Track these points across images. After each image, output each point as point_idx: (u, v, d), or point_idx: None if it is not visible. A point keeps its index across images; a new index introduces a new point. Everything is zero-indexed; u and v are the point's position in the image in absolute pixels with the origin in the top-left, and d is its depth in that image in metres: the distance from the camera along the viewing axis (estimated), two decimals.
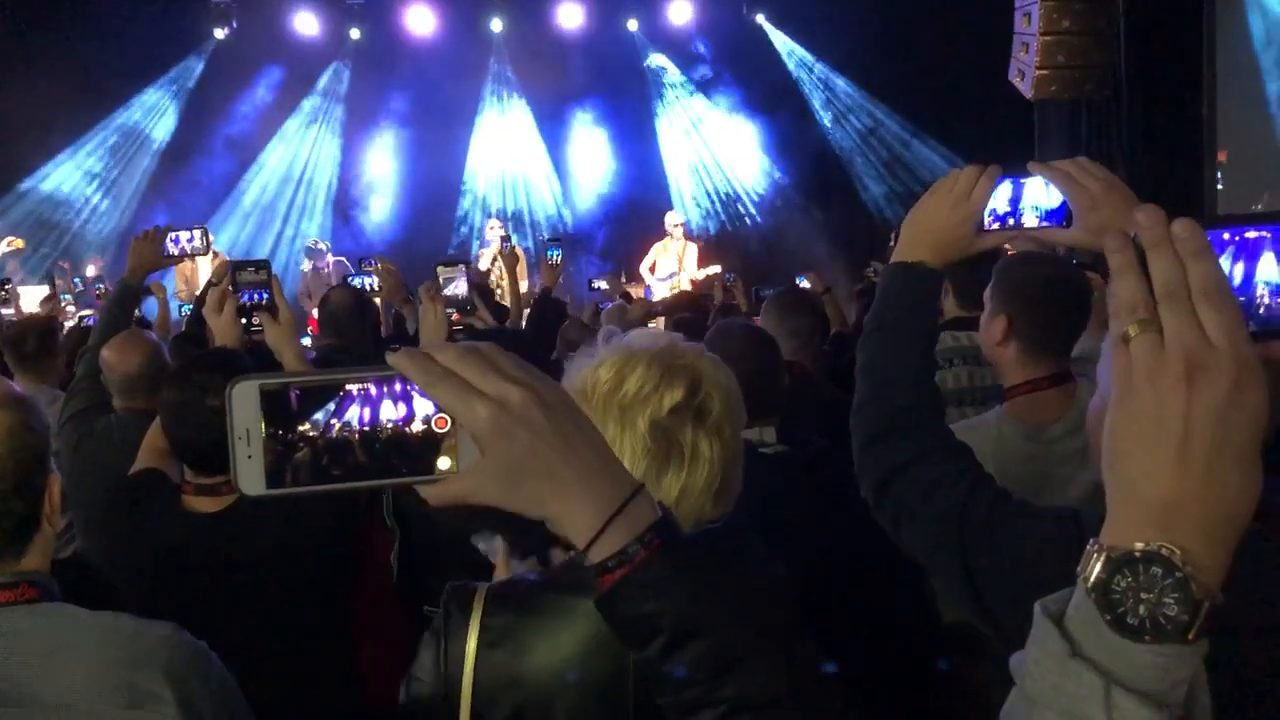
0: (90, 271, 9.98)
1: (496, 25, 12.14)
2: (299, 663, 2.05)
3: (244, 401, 0.71)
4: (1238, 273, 0.87)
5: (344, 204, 12.24)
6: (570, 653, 1.16)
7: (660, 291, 9.53)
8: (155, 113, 11.68)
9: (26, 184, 10.91)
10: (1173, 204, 0.77)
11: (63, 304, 7.14)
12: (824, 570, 1.88)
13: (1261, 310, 0.88)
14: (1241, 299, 0.86)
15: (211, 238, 3.36)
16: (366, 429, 0.72)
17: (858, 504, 1.59)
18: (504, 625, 1.20)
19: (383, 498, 2.29)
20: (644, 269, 10.27)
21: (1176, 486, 0.66)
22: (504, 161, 12.56)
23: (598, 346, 1.31)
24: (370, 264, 5.87)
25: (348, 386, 0.72)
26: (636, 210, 11.73)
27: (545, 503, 0.73)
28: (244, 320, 2.50)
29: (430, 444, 0.73)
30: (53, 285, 7.73)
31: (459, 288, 3.91)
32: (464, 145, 12.41)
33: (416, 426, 0.73)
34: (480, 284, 5.72)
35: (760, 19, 12.19)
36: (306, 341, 5.98)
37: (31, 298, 7.50)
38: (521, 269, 9.13)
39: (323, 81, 12.26)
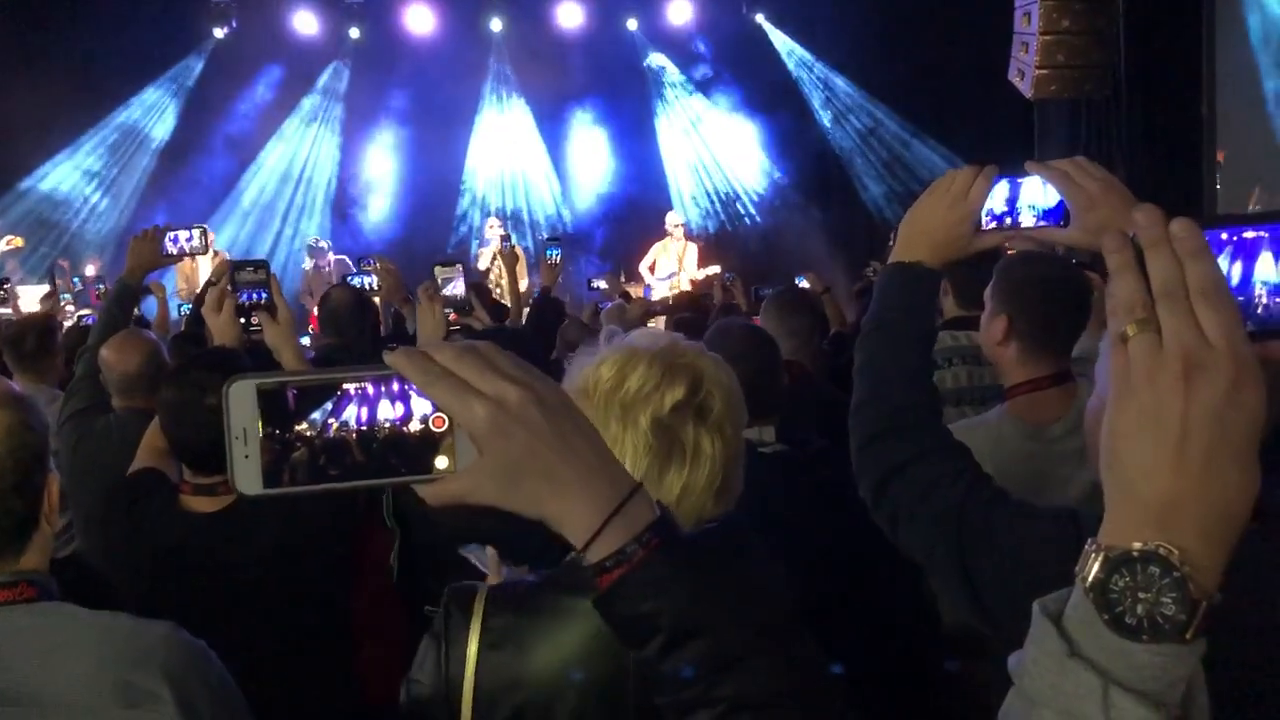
0: (89, 271, 9.98)
1: (496, 24, 12.14)
2: (298, 663, 2.05)
3: (241, 401, 0.71)
4: (1236, 272, 0.87)
5: (343, 203, 12.24)
6: (571, 653, 1.16)
7: (660, 291, 9.53)
8: (155, 112, 11.68)
9: (26, 183, 10.91)
10: (1172, 204, 0.77)
11: (62, 304, 7.13)
12: (824, 570, 1.88)
13: (1260, 310, 0.88)
14: (1240, 299, 0.86)
15: (212, 236, 3.36)
16: (364, 428, 0.72)
17: (857, 504, 1.59)
18: (505, 626, 1.20)
19: (383, 498, 2.29)
20: (644, 268, 10.28)
21: (1174, 486, 0.66)
22: (503, 161, 12.56)
23: (599, 346, 1.31)
24: (370, 263, 5.87)
25: (345, 386, 0.72)
26: (636, 210, 11.74)
27: (543, 502, 0.73)
28: (243, 320, 2.50)
29: (428, 443, 0.73)
30: (53, 283, 7.73)
31: (457, 288, 3.91)
32: (463, 145, 12.41)
33: (414, 426, 0.73)
34: (478, 284, 5.72)
35: (760, 19, 12.19)
36: (306, 341, 5.99)
37: (31, 297, 7.50)
38: (521, 268, 9.13)
39: (322, 81, 12.27)
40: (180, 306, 7.20)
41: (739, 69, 12.02)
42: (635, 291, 8.97)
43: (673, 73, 12.51)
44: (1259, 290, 0.88)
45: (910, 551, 1.53)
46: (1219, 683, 0.70)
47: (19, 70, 9.87)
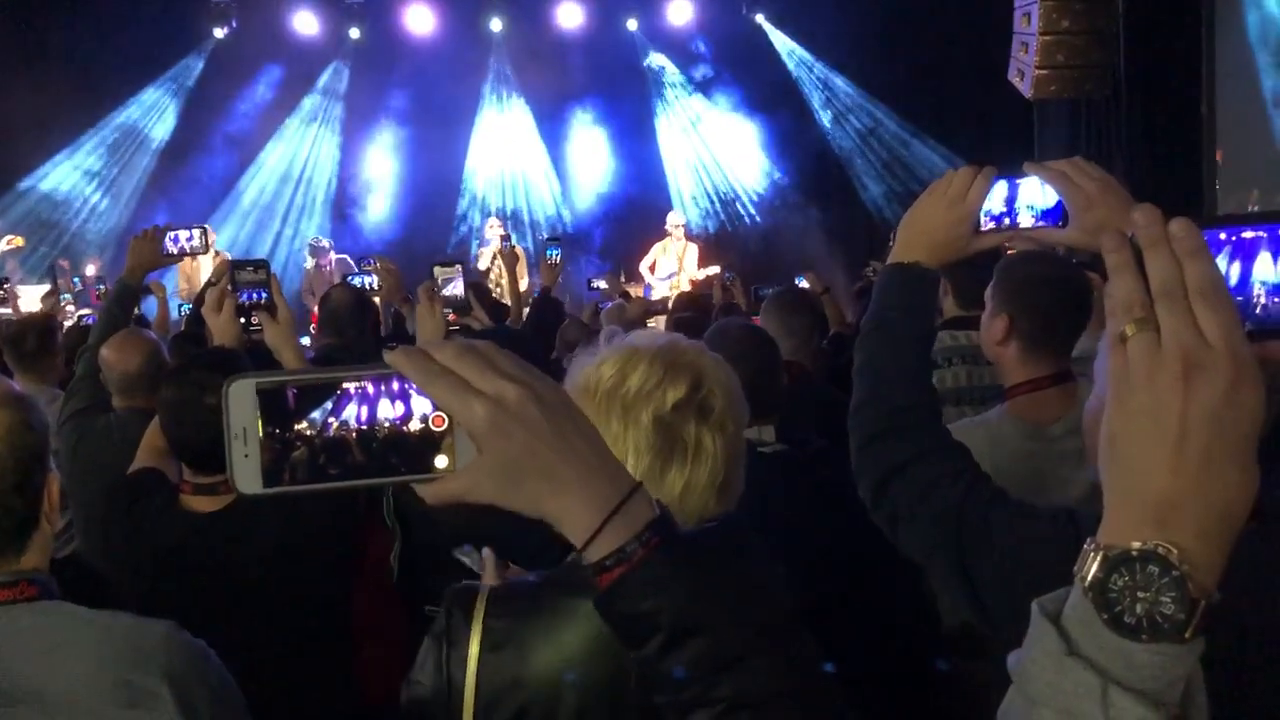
0: (90, 271, 9.98)
1: (496, 24, 12.14)
2: (298, 663, 2.05)
3: (240, 400, 0.71)
4: (1234, 272, 0.87)
5: (342, 203, 12.24)
6: (573, 653, 1.16)
7: (660, 291, 9.53)
8: (155, 112, 11.68)
9: (26, 183, 10.91)
10: (1172, 204, 0.77)
11: (62, 303, 7.14)
12: (824, 570, 1.88)
13: (1258, 309, 0.88)
14: (1238, 298, 0.86)
15: (213, 236, 3.36)
16: (364, 427, 0.72)
17: (857, 504, 1.59)
18: (506, 627, 1.20)
19: (383, 498, 2.29)
20: (644, 268, 10.28)
21: (1173, 485, 0.66)
22: (503, 161, 12.56)
23: (599, 346, 1.32)
24: (370, 263, 5.87)
25: (345, 385, 0.72)
26: (636, 210, 11.74)
27: (543, 501, 0.73)
28: (243, 319, 2.50)
29: (428, 442, 0.73)
30: (54, 282, 7.73)
31: (456, 288, 3.92)
32: (463, 144, 12.41)
33: (414, 425, 0.73)
34: (477, 284, 5.72)
35: (760, 19, 12.18)
36: (306, 340, 5.99)
37: (31, 296, 7.51)
38: (521, 268, 9.14)
39: (322, 81, 12.26)
40: (180, 306, 7.20)
41: (739, 69, 12.02)
42: (635, 291, 8.96)
43: (673, 73, 12.50)
44: (1257, 290, 0.88)
45: (910, 551, 1.54)
46: (1218, 683, 0.70)
47: (19, 70, 9.87)
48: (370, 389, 0.73)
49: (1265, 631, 1.05)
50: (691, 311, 5.29)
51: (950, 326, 3.03)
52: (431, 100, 11.89)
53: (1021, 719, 0.69)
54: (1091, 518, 0.70)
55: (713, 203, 12.40)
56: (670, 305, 6.29)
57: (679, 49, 12.41)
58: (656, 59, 12.49)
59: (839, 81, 11.92)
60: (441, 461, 0.73)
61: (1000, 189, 1.50)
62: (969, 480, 1.47)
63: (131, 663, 1.28)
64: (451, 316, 4.06)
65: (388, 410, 0.73)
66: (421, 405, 0.73)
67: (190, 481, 2.12)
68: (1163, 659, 0.65)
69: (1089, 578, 0.67)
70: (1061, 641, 0.67)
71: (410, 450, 0.73)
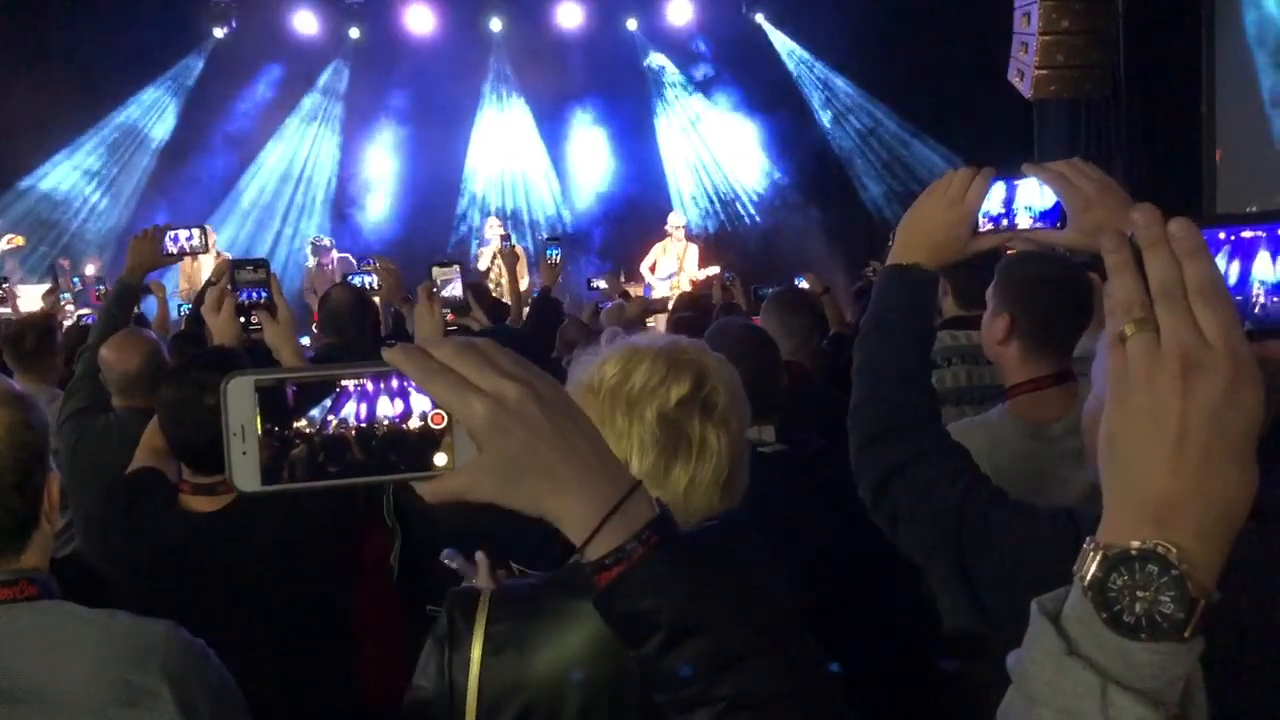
0: (89, 271, 9.98)
1: (496, 24, 12.14)
2: (297, 662, 2.04)
3: (239, 397, 0.71)
4: (1234, 272, 0.88)
5: (342, 203, 12.24)
6: (575, 655, 1.16)
7: (660, 291, 9.54)
8: (155, 111, 11.68)
9: (26, 182, 10.91)
10: (1171, 203, 0.77)
11: (62, 303, 7.14)
12: (824, 570, 1.88)
13: (1257, 309, 0.88)
14: (1238, 298, 0.86)
15: (213, 236, 3.36)
16: (363, 425, 0.72)
17: (857, 504, 1.59)
18: (508, 630, 1.20)
19: (383, 497, 2.29)
20: (644, 269, 10.29)
21: (1172, 485, 0.66)
22: (503, 160, 12.56)
23: (600, 347, 1.32)
24: (369, 263, 5.87)
25: (344, 382, 0.72)
26: (636, 209, 11.74)
27: (542, 500, 0.73)
28: (243, 319, 2.50)
29: (427, 440, 0.73)
30: (55, 280, 7.72)
31: (454, 289, 3.92)
32: (463, 144, 12.41)
33: (413, 423, 0.73)
34: (476, 284, 5.72)
35: (760, 18, 12.18)
36: (306, 340, 5.99)
37: (31, 296, 7.50)
38: (521, 268, 9.14)
39: (322, 80, 12.27)
40: (180, 306, 7.20)
41: (739, 69, 12.02)
42: (635, 291, 8.97)
43: (673, 73, 12.50)
44: (1256, 289, 0.88)
45: (909, 552, 1.54)
46: (1218, 682, 0.70)
47: (19, 70, 9.87)
48: (369, 387, 0.72)
49: (1265, 631, 1.05)
50: (692, 311, 5.29)
51: (950, 326, 3.04)
52: (431, 100, 11.89)
53: (1021, 718, 0.69)
54: (1091, 518, 0.70)
55: (712, 203, 12.40)
56: (670, 305, 6.29)
57: (679, 49, 12.41)
58: (656, 59, 12.49)
59: (839, 81, 11.91)
60: (441, 459, 0.73)
61: (998, 190, 1.50)
62: (969, 480, 1.47)
63: (131, 662, 1.28)
64: (450, 317, 4.06)
65: (387, 408, 0.72)
66: (421, 403, 0.73)
67: (189, 481, 2.12)
68: (1162, 658, 0.65)
69: (1088, 577, 0.67)
70: (1061, 641, 0.67)
71: (409, 448, 0.73)
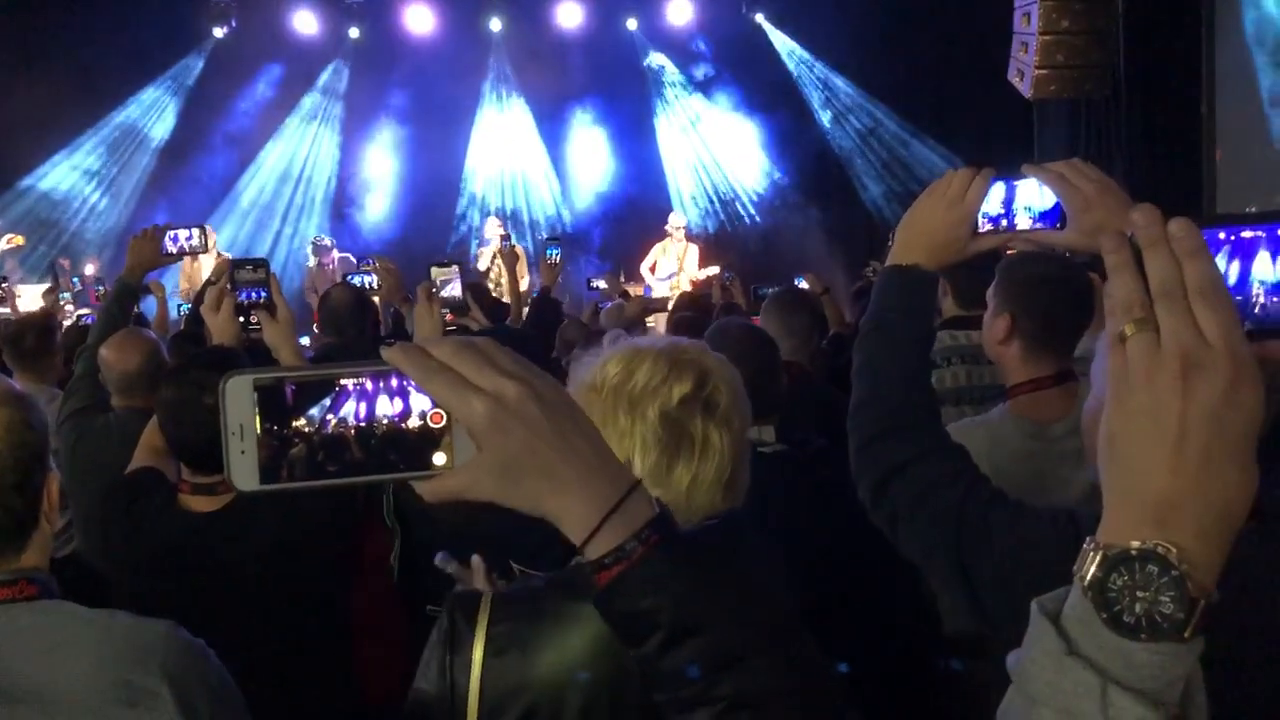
0: (89, 270, 9.98)
1: (495, 24, 12.14)
2: (297, 662, 2.04)
3: (238, 396, 0.71)
4: (1233, 272, 0.88)
5: (342, 202, 12.24)
6: (576, 656, 1.16)
7: (660, 291, 9.54)
8: (154, 111, 11.68)
9: (26, 182, 10.91)
10: (1171, 203, 0.77)
11: (62, 303, 7.14)
12: (824, 570, 1.88)
13: (1257, 309, 0.88)
14: (1238, 298, 0.86)
15: (213, 235, 3.36)
16: (362, 424, 0.72)
17: (856, 504, 1.59)
18: (510, 632, 1.20)
19: (383, 497, 2.29)
20: (644, 269, 10.28)
21: (1172, 485, 0.66)
22: (503, 160, 12.55)
23: (601, 348, 1.32)
24: (369, 263, 5.86)
25: (343, 381, 0.72)
26: (635, 209, 11.74)
27: (542, 499, 0.73)
28: (242, 319, 2.50)
29: (426, 439, 0.73)
30: (54, 280, 7.72)
31: (453, 289, 3.92)
32: (463, 144, 12.41)
33: (412, 422, 0.73)
34: (475, 284, 5.72)
35: (760, 18, 12.18)
36: (306, 340, 5.99)
37: (30, 296, 7.50)
38: (521, 268, 9.13)
39: (322, 80, 12.26)
40: (180, 306, 7.20)
41: (739, 69, 12.02)
42: (635, 291, 8.97)
43: (672, 72, 12.50)
44: (1256, 289, 0.88)
45: (909, 552, 1.54)
46: (1218, 682, 0.70)
47: (19, 70, 9.87)
48: (369, 386, 0.72)
49: (1265, 631, 1.05)
50: (692, 311, 5.28)
51: (950, 326, 3.04)
52: (431, 100, 11.89)
53: (1021, 718, 0.69)
54: (1091, 518, 0.70)
55: (712, 203, 12.40)
56: (670, 305, 6.29)
57: (679, 49, 12.41)
58: (656, 59, 12.49)
59: (839, 81, 11.91)
60: (440, 459, 0.73)
61: (998, 190, 1.50)
62: (968, 481, 1.47)
63: (131, 662, 1.28)
64: (449, 317, 4.06)
65: (386, 407, 0.72)
66: (420, 402, 0.73)
67: (189, 481, 2.12)
68: (1162, 658, 0.65)
69: (1088, 577, 0.67)
70: (1061, 641, 0.67)
71: (409, 447, 0.72)
